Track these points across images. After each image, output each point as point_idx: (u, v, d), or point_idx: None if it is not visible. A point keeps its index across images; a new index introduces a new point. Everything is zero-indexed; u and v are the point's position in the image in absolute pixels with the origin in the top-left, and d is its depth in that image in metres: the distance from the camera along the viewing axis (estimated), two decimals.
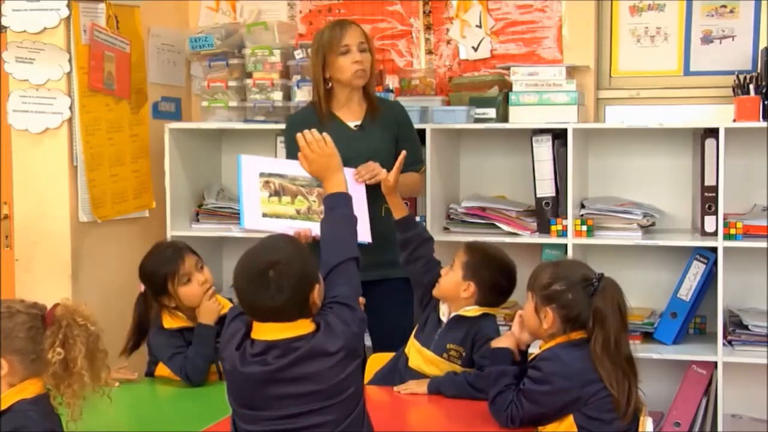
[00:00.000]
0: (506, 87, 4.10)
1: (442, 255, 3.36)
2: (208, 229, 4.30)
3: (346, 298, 2.44)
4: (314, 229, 3.51)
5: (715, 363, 3.78)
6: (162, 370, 3.26)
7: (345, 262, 2.50)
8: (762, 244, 3.75)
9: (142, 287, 3.35)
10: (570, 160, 3.86)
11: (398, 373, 3.15)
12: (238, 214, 4.22)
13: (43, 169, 3.88)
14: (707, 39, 4.20)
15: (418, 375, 3.10)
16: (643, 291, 4.01)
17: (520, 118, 4.02)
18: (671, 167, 4.12)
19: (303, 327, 2.36)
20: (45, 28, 3.81)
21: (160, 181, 4.23)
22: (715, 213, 3.78)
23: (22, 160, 3.88)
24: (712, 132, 3.77)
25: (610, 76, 4.32)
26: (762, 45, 4.03)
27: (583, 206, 4.00)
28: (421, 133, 3.96)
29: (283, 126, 4.18)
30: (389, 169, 3.48)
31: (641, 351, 3.56)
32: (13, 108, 3.85)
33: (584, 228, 3.90)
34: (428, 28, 4.38)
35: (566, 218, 3.89)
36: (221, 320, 3.01)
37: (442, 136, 4.04)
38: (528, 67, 4.07)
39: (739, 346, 3.80)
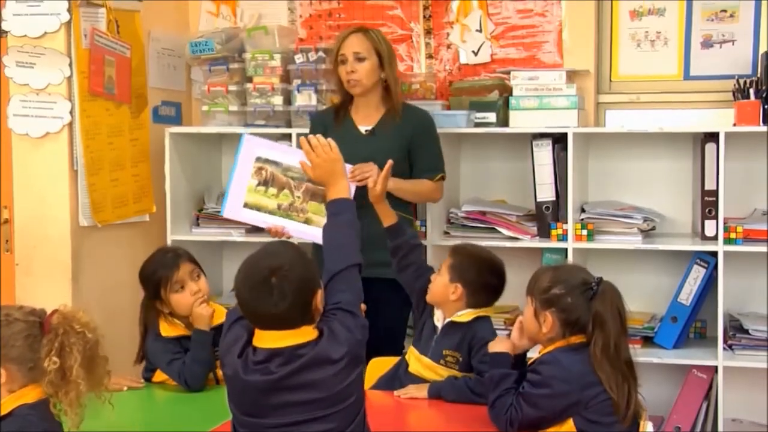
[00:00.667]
0: (506, 91, 4.11)
1: (442, 259, 3.35)
2: (208, 234, 4.30)
3: (349, 305, 2.43)
4: (289, 227, 3.56)
5: (716, 367, 3.78)
6: (159, 375, 3.26)
7: (347, 269, 2.50)
8: (762, 248, 3.74)
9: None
10: (570, 165, 3.86)
11: (398, 379, 3.15)
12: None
13: (44, 173, 3.88)
14: (707, 43, 4.20)
15: (418, 380, 3.10)
16: (644, 295, 4.01)
17: (521, 122, 4.02)
18: (671, 171, 4.12)
19: (306, 334, 2.35)
20: (45, 33, 3.81)
21: (160, 185, 4.24)
22: (716, 217, 3.77)
23: (23, 164, 3.89)
24: (712, 136, 3.77)
25: (611, 81, 4.33)
26: (762, 49, 4.04)
27: (583, 210, 4.00)
28: None
29: (283, 130, 4.20)
30: (399, 176, 3.50)
31: (642, 355, 3.56)
32: (14, 112, 3.85)
33: (584, 232, 3.89)
34: (428, 32, 4.39)
35: (566, 222, 3.89)
36: (219, 327, 3.01)
37: (442, 140, 4.03)
38: (528, 72, 4.08)
39: (740, 350, 3.80)
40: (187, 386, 3.15)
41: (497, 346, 2.84)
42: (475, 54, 4.33)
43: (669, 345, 3.90)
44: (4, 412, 2.22)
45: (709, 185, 3.79)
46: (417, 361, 3.15)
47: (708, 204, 3.80)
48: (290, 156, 3.58)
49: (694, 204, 4.03)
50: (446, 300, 3.11)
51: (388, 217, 3.34)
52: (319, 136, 2.80)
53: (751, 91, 3.82)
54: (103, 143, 3.99)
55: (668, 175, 4.12)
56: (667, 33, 4.25)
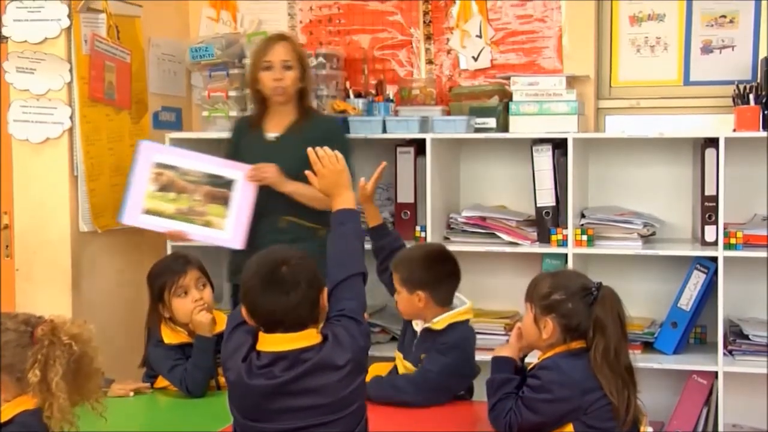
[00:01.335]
0: (506, 97, 4.11)
1: None
2: None
3: (353, 312, 2.44)
4: (189, 230, 3.59)
5: (716, 373, 3.78)
6: (161, 381, 3.26)
7: (352, 277, 2.51)
8: (762, 253, 3.74)
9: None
10: (570, 170, 3.86)
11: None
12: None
13: (44, 178, 3.88)
14: (707, 49, 4.21)
15: None
16: (644, 301, 4.01)
17: (520, 127, 4.02)
18: (671, 177, 4.12)
19: (310, 338, 2.36)
20: (46, 38, 3.81)
21: None
22: (716, 222, 3.78)
23: (23, 169, 3.89)
24: (712, 142, 3.78)
25: (610, 86, 4.33)
26: (762, 55, 4.04)
27: (583, 216, 4.00)
28: (422, 142, 3.98)
29: None
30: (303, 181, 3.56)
31: (642, 361, 3.56)
32: (14, 118, 3.86)
33: (584, 237, 3.89)
34: (428, 38, 4.39)
35: (566, 228, 3.89)
36: (221, 335, 3.01)
37: (442, 145, 4.05)
38: (528, 77, 4.08)
39: (740, 355, 3.80)
40: (189, 392, 3.15)
41: (502, 350, 2.85)
42: (475, 59, 4.34)
43: (669, 350, 3.90)
44: (5, 418, 2.22)
45: (709, 191, 3.79)
46: (401, 366, 3.18)
47: (708, 209, 3.81)
48: (189, 159, 3.63)
49: (694, 209, 4.03)
50: (418, 311, 3.14)
51: (373, 218, 3.43)
52: (326, 148, 2.81)
53: (751, 96, 3.82)
54: (104, 149, 3.99)
55: (668, 181, 4.12)
56: (667, 38, 4.25)
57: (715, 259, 3.78)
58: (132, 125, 4.16)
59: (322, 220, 3.72)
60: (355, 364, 2.37)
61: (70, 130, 3.86)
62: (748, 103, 3.82)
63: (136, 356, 3.36)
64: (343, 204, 2.70)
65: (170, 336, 3.26)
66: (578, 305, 2.69)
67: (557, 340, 2.71)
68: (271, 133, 3.81)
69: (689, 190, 4.08)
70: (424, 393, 3.00)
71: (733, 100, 3.88)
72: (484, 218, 4.06)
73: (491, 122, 4.04)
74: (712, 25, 4.19)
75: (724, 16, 4.17)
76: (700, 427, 3.85)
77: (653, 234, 4.00)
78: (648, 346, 3.94)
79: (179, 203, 3.62)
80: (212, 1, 4.59)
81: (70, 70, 3.84)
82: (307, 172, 2.87)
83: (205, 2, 4.60)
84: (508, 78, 4.12)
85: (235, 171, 3.70)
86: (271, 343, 2.35)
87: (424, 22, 4.39)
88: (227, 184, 3.70)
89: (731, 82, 3.95)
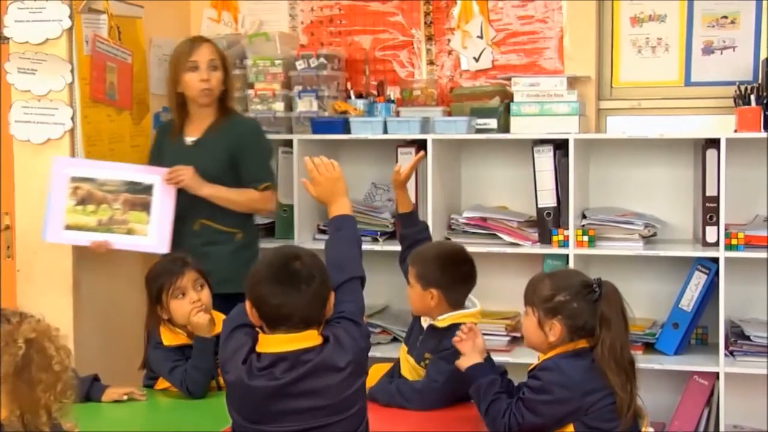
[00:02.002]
0: (507, 97, 4.11)
1: None
2: None
3: (353, 314, 2.45)
4: (112, 239, 3.60)
5: (717, 374, 3.78)
6: (162, 383, 3.26)
7: (350, 281, 2.53)
8: (763, 254, 3.74)
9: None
10: (571, 171, 3.86)
11: (394, 380, 3.17)
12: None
13: (45, 179, 3.86)
14: (708, 50, 4.20)
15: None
16: (645, 301, 4.00)
17: (522, 128, 4.02)
18: (672, 177, 4.12)
19: (311, 338, 2.36)
20: (47, 39, 3.81)
21: None
22: (717, 223, 3.77)
23: (24, 170, 3.88)
24: (713, 142, 3.77)
25: (611, 87, 4.33)
26: (763, 55, 4.04)
27: (584, 216, 4.00)
28: (422, 143, 3.98)
29: (285, 136, 4.20)
30: (224, 186, 3.67)
31: (643, 362, 3.56)
32: (15, 119, 3.85)
33: (586, 238, 3.90)
34: (429, 38, 4.39)
35: (568, 228, 3.89)
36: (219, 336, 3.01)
37: (443, 146, 4.05)
38: (529, 78, 4.08)
39: (741, 356, 3.80)
40: (189, 393, 3.15)
41: (467, 360, 2.85)
42: (476, 60, 4.34)
43: (670, 351, 3.90)
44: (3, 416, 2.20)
45: (710, 191, 3.79)
46: (405, 361, 3.19)
47: (709, 210, 3.81)
48: (105, 169, 3.66)
49: (695, 210, 4.03)
50: (429, 308, 3.14)
51: (404, 204, 3.45)
52: (322, 157, 2.82)
53: (752, 97, 3.82)
54: (105, 149, 3.99)
55: (669, 182, 4.12)
56: (668, 39, 4.25)
57: (716, 260, 3.77)
58: (133, 126, 4.16)
59: (240, 223, 3.78)
60: (356, 365, 2.37)
61: (72, 131, 3.85)
62: (749, 103, 3.81)
63: (137, 358, 3.36)
64: (339, 210, 2.71)
65: (169, 338, 3.25)
66: (582, 304, 2.70)
67: (562, 340, 2.71)
68: (191, 136, 3.80)
69: (690, 191, 4.07)
70: (429, 402, 2.99)
71: (735, 101, 3.88)
72: (485, 219, 4.06)
73: (492, 123, 4.05)
74: (713, 26, 4.19)
75: (726, 17, 4.17)
76: (701, 428, 3.85)
77: (654, 235, 4.00)
78: (649, 347, 3.94)
79: (99, 214, 3.63)
80: (213, 2, 4.59)
81: (72, 71, 3.84)
82: (303, 179, 2.87)
83: (206, 3, 4.60)
84: (509, 79, 4.12)
85: (153, 175, 3.69)
86: (272, 344, 2.35)
87: (425, 22, 4.39)
88: (146, 189, 3.68)
89: (732, 83, 3.94)
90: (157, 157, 3.85)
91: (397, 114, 4.17)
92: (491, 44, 4.32)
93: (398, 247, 3.51)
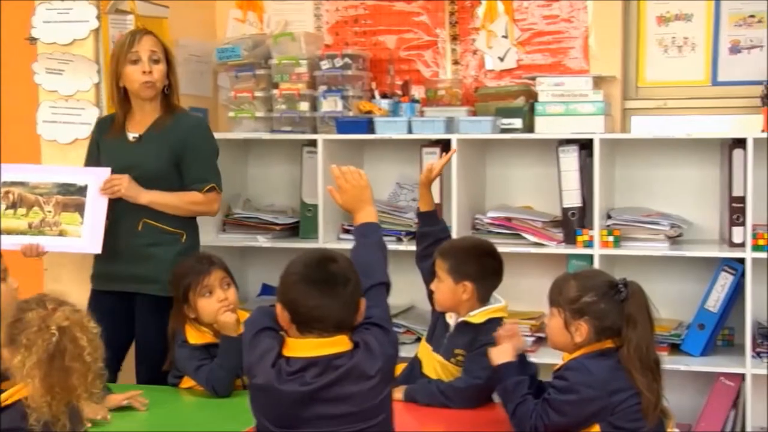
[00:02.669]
0: (532, 97, 4.10)
1: None
2: (234, 239, 4.32)
3: (380, 320, 2.44)
4: (43, 242, 3.58)
5: (744, 375, 3.75)
6: (187, 381, 3.28)
7: (376, 286, 2.51)
8: None
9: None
10: (596, 171, 3.85)
11: (414, 379, 3.18)
12: (265, 223, 4.27)
13: None
14: (735, 49, 4.18)
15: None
16: (671, 302, 3.98)
17: (547, 128, 4.01)
18: (699, 178, 4.09)
19: (342, 344, 2.35)
20: (74, 40, 3.84)
21: None
22: (743, 224, 3.75)
23: None
24: (740, 142, 3.75)
25: (637, 87, 4.31)
26: None
27: (609, 217, 3.98)
28: (447, 143, 3.98)
29: (310, 136, 4.21)
30: (167, 186, 3.55)
31: (668, 363, 3.53)
32: (43, 119, 3.89)
33: (611, 238, 3.88)
34: (454, 38, 4.39)
35: (593, 229, 3.88)
36: None
37: (468, 146, 4.05)
38: (554, 78, 4.07)
39: None
40: (215, 392, 3.17)
41: (500, 357, 2.84)
42: (501, 60, 4.33)
43: (696, 352, 3.88)
44: (5, 403, 2.23)
45: (737, 191, 3.77)
46: (429, 358, 3.17)
47: (736, 210, 3.78)
48: (37, 172, 3.64)
49: (721, 210, 4.01)
50: (459, 302, 3.13)
51: (426, 203, 3.41)
52: (350, 167, 2.80)
53: None
54: None
55: (695, 182, 4.10)
56: (695, 38, 4.22)
57: (742, 261, 3.75)
58: None
59: (185, 224, 3.64)
60: (384, 373, 2.36)
61: None
62: None
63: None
64: (365, 218, 2.71)
65: (195, 336, 3.27)
66: (609, 305, 2.70)
67: (588, 341, 2.71)
68: (133, 132, 3.64)
69: (717, 191, 4.05)
70: (474, 400, 3.00)
71: (762, 101, 3.85)
72: (509, 219, 4.05)
73: (517, 123, 4.04)
74: (740, 25, 4.16)
75: (753, 16, 4.14)
76: (728, 430, 3.83)
77: (680, 235, 3.98)
78: (675, 348, 3.92)
79: (30, 217, 3.60)
80: (239, 2, 4.61)
81: (98, 72, 3.86)
82: (329, 187, 2.86)
83: (232, 3, 4.62)
84: (534, 78, 4.11)
85: (87, 176, 3.60)
86: (301, 348, 2.33)
87: (450, 22, 4.39)
88: (80, 190, 3.59)
89: (760, 83, 3.92)
90: (95, 155, 3.69)
91: (422, 114, 4.17)
92: (516, 44, 4.31)
93: None
